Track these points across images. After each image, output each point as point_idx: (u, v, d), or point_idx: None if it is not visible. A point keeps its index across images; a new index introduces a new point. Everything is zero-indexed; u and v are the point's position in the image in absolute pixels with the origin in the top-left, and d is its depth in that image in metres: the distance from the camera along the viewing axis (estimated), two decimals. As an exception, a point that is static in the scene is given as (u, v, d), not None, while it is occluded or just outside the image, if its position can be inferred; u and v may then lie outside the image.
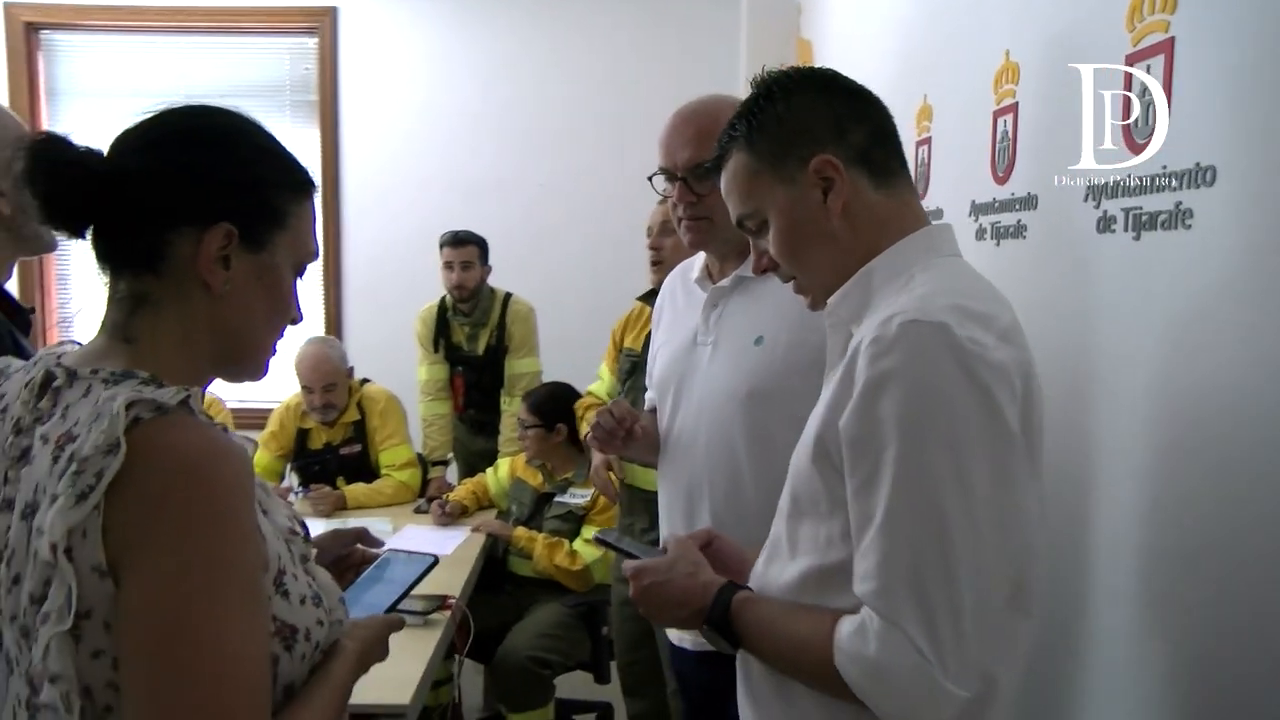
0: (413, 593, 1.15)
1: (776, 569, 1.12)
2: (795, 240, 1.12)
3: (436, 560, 1.28)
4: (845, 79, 1.17)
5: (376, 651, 1.03)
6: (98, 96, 4.74)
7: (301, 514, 2.86)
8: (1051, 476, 1.49)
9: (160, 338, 0.90)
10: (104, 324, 0.92)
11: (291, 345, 3.53)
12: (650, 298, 2.75)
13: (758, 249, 1.19)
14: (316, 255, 1.00)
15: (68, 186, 0.86)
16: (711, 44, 4.54)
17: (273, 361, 0.99)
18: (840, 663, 0.99)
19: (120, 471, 0.77)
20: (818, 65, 3.54)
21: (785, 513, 1.13)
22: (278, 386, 4.61)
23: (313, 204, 0.99)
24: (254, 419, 4.05)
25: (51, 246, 1.43)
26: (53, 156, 0.85)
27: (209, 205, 0.89)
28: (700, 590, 1.15)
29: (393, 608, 1.15)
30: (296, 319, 1.00)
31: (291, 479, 3.61)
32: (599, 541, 1.50)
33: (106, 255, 0.91)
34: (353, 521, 3.12)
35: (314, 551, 1.00)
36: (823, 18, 3.49)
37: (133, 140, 0.90)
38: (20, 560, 0.82)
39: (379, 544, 1.31)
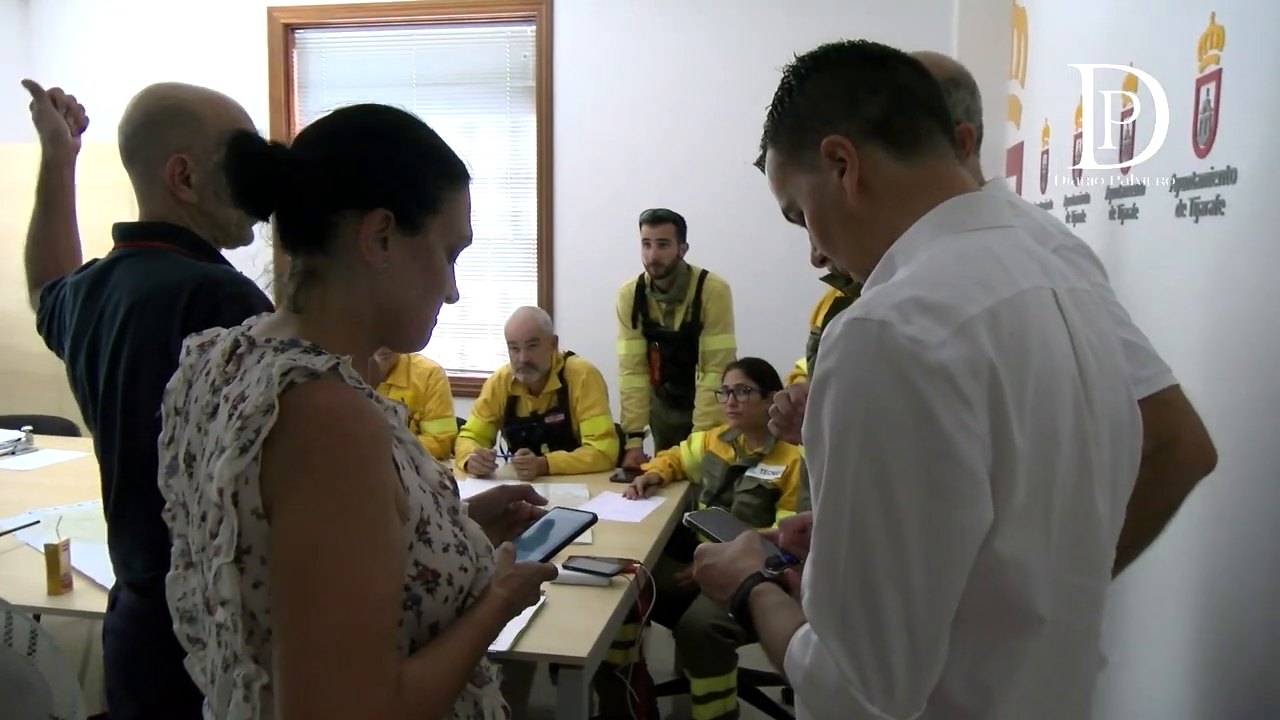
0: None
1: (807, 566, 1.09)
2: (823, 225, 1.08)
3: (595, 518, 1.37)
4: (867, 47, 1.08)
5: (527, 596, 1.11)
6: (341, 88, 5.19)
7: (507, 477, 2.97)
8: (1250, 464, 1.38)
9: (327, 308, 1.01)
10: (282, 297, 1.05)
11: (502, 317, 3.76)
12: (830, 280, 2.74)
13: (812, 242, 1.14)
14: (470, 240, 1.08)
15: (255, 174, 0.98)
16: (923, 15, 4.40)
17: (434, 332, 1.08)
18: (786, 666, 0.98)
19: (274, 428, 0.87)
20: (1031, 33, 3.38)
21: None
22: (492, 359, 4.90)
23: (467, 193, 1.07)
24: (469, 388, 4.35)
25: (243, 240, 1.59)
26: (244, 149, 0.98)
27: (368, 191, 0.99)
28: (735, 577, 1.16)
29: (547, 557, 1.24)
30: (452, 297, 1.08)
31: (501, 444, 3.84)
32: (689, 524, 1.52)
33: (285, 235, 1.03)
34: (554, 487, 3.33)
35: (465, 505, 1.09)
36: (1038, -18, 3.32)
37: (309, 135, 1.03)
38: (205, 501, 0.95)
39: (543, 501, 1.39)
